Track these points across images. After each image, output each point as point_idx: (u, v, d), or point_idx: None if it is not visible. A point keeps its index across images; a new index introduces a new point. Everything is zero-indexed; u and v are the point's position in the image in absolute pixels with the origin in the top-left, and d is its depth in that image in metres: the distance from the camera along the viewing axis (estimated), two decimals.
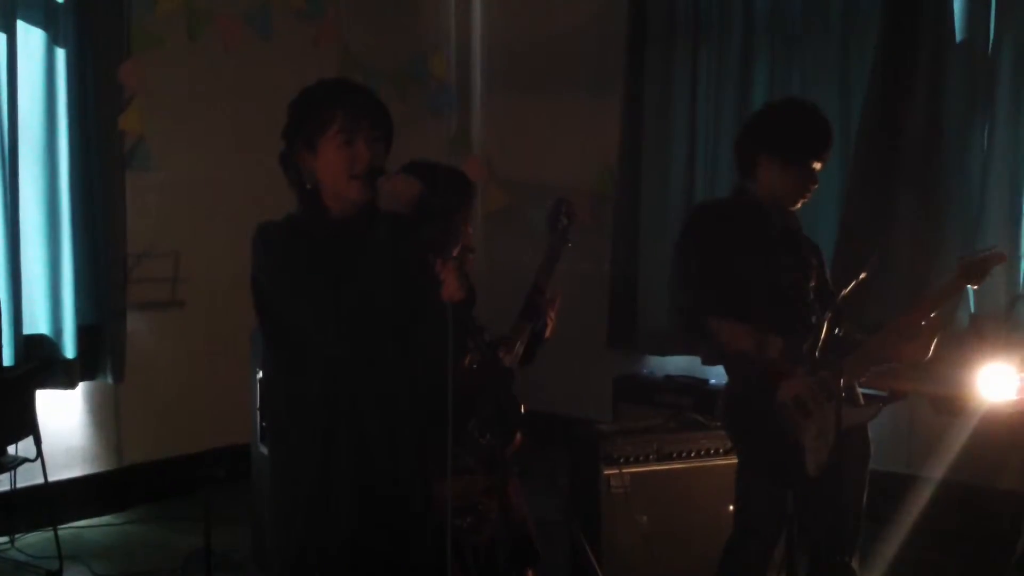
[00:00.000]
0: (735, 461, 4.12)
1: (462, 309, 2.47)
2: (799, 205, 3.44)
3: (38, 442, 4.77)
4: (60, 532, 4.90)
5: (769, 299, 3.30)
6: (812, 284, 3.43)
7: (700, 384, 5.74)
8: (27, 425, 4.75)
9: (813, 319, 3.35)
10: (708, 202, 3.67)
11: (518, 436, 3.35)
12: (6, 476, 4.94)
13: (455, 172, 3.44)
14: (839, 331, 3.33)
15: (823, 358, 3.28)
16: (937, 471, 5.02)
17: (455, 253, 3.26)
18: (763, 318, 3.26)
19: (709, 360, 5.80)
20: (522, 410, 3.43)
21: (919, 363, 3.35)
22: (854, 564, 3.46)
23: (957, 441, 4.90)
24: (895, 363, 3.42)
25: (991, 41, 5.09)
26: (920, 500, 4.91)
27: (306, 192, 2.60)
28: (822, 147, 3.38)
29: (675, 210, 6.12)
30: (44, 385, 5.15)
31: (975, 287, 3.46)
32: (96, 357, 5.46)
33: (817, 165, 3.37)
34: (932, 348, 3.28)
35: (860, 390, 3.43)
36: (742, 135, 3.48)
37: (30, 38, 5.23)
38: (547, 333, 3.48)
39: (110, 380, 5.48)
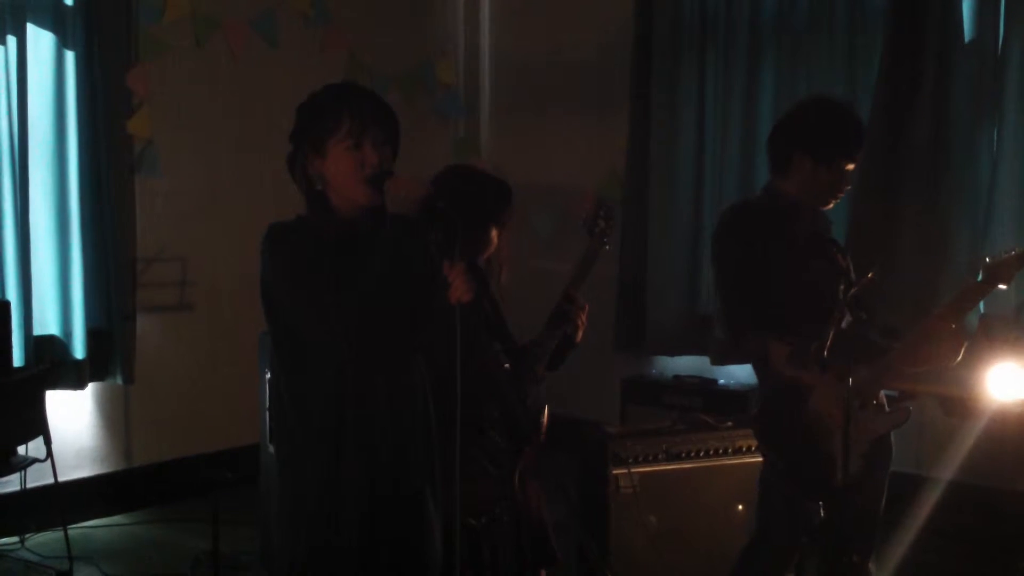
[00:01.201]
0: (743, 461, 4.14)
1: (471, 310, 2.47)
2: (830, 206, 3.43)
3: (48, 442, 4.78)
4: (70, 532, 4.91)
5: (799, 302, 3.29)
6: (841, 287, 3.41)
7: (709, 384, 5.74)
8: (37, 426, 4.77)
9: (843, 323, 3.34)
10: (735, 206, 3.63)
11: (538, 439, 3.34)
12: (16, 476, 4.95)
13: (492, 180, 3.43)
14: (851, 332, 3.33)
15: (832, 359, 3.27)
16: (947, 472, 5.01)
17: (483, 259, 3.29)
18: (799, 324, 3.24)
19: (718, 360, 5.82)
20: (544, 414, 3.42)
21: (948, 367, 3.33)
22: (872, 567, 3.45)
23: (967, 442, 4.90)
24: (923, 368, 3.39)
25: (1000, 41, 5.07)
26: (929, 501, 4.90)
27: (314, 194, 2.61)
28: (853, 149, 3.36)
29: (683, 212, 6.13)
30: (54, 386, 5.17)
31: (1004, 287, 3.43)
32: (106, 359, 5.48)
33: (850, 166, 3.36)
34: (962, 352, 3.27)
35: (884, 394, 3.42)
36: (776, 132, 3.46)
37: (40, 41, 5.25)
38: (577, 338, 3.47)
39: (120, 382, 5.49)
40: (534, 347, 3.40)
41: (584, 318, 3.44)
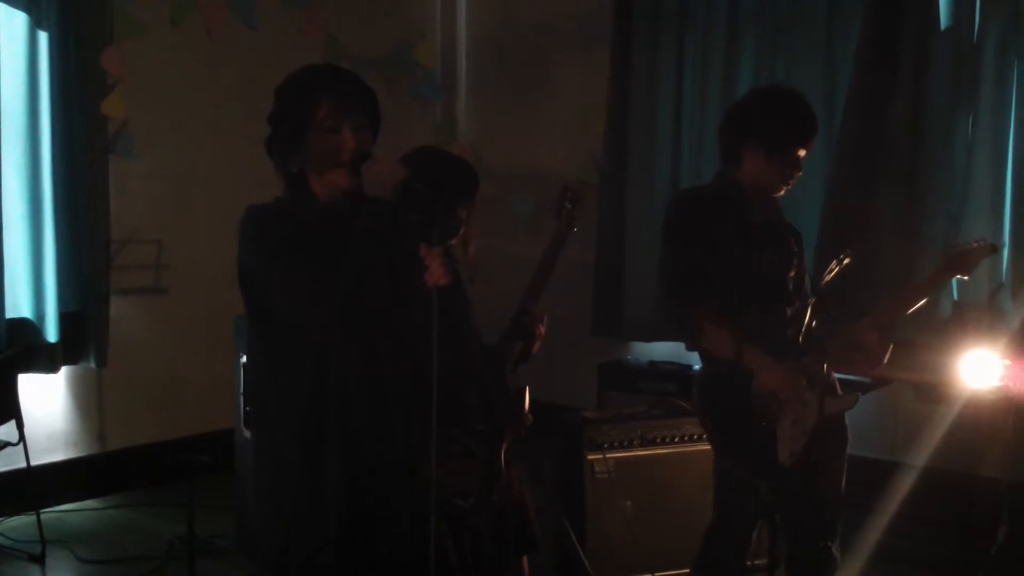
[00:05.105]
0: None
1: (448, 294, 2.46)
2: (782, 192, 3.45)
3: (20, 426, 4.76)
4: (43, 516, 4.89)
5: (748, 288, 3.30)
6: (792, 273, 3.43)
7: (684, 370, 5.74)
8: (9, 409, 4.74)
9: (791, 308, 3.36)
10: (688, 191, 3.66)
11: (519, 421, 3.34)
12: None
13: (460, 162, 3.43)
14: (824, 318, 3.35)
15: (806, 345, 3.29)
16: (920, 458, 5.05)
17: (455, 241, 3.28)
18: (741, 307, 3.26)
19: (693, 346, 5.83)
20: (525, 396, 3.41)
21: (872, 370, 3.36)
22: (835, 551, 3.48)
23: (940, 428, 4.93)
24: (846, 372, 3.43)
25: (976, 29, 5.10)
26: (902, 487, 4.94)
27: (292, 177, 2.59)
28: (806, 135, 3.36)
29: (661, 197, 6.13)
30: (27, 369, 5.13)
31: (965, 277, 3.46)
32: (79, 342, 5.44)
33: (801, 152, 3.37)
34: (887, 356, 3.30)
35: (838, 378, 3.44)
36: (726, 122, 3.47)
37: (13, 21, 5.20)
38: (534, 349, 3.47)
39: (93, 365, 5.46)
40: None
41: (542, 329, 3.44)
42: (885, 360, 3.31)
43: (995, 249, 3.45)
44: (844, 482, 3.45)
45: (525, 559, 3.51)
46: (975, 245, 3.40)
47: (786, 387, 3.19)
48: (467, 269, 3.36)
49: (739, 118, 3.44)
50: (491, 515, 3.23)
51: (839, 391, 3.39)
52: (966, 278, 3.47)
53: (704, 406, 3.49)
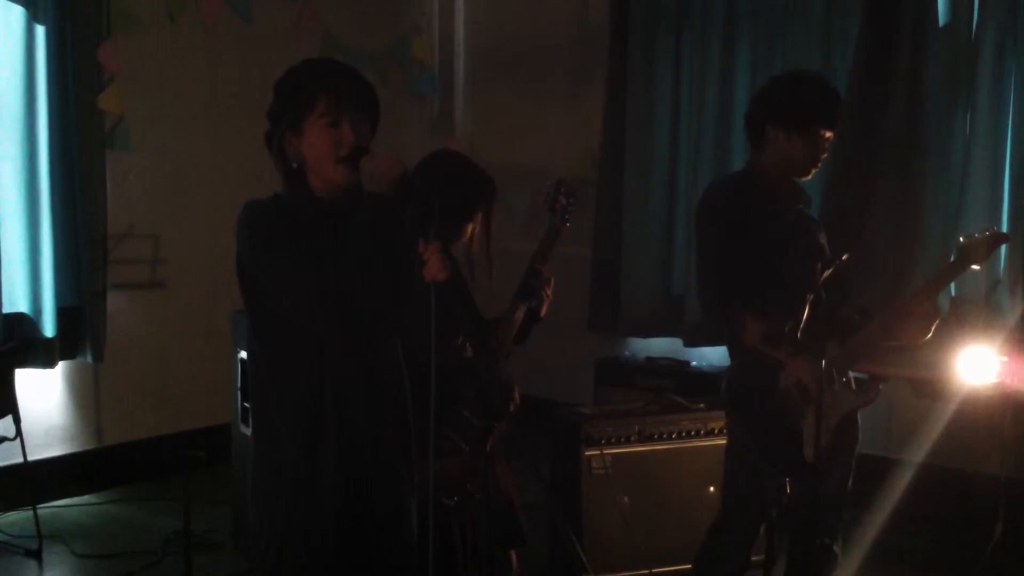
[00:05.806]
0: (715, 442, 4.15)
1: (447, 290, 2.46)
2: (810, 175, 3.44)
3: (17, 421, 4.75)
4: (39, 511, 4.89)
5: (786, 281, 3.30)
6: (820, 266, 3.42)
7: (681, 366, 5.76)
8: (6, 404, 4.74)
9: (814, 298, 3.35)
10: (723, 181, 3.63)
11: (509, 416, 3.34)
12: None
13: (477, 174, 3.42)
14: (823, 313, 3.34)
15: (805, 340, 3.28)
16: (916, 455, 5.05)
17: (462, 245, 3.28)
18: (781, 301, 3.25)
19: (690, 342, 5.83)
20: (514, 392, 3.41)
21: (918, 345, 3.35)
22: (836, 548, 3.48)
23: (937, 425, 4.93)
24: (894, 343, 3.41)
25: (974, 26, 5.09)
26: (899, 484, 4.93)
27: (291, 172, 2.59)
28: (831, 114, 3.37)
29: (658, 194, 6.13)
30: (23, 364, 5.13)
31: (977, 268, 3.45)
32: (76, 337, 5.43)
33: (828, 134, 3.37)
34: (933, 329, 3.29)
35: (852, 375, 3.44)
36: (752, 106, 3.47)
37: (9, 14, 5.18)
38: (542, 312, 3.47)
39: (90, 360, 5.45)
40: (501, 322, 3.41)
41: (549, 291, 3.45)
42: (931, 332, 3.29)
43: (1008, 238, 3.44)
44: (850, 481, 3.45)
45: (513, 553, 3.51)
46: (983, 235, 3.39)
47: (813, 380, 3.18)
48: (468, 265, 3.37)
49: (763, 99, 3.45)
50: (476, 511, 3.24)
51: (853, 386, 3.38)
52: (977, 268, 3.46)
53: (732, 400, 3.47)
